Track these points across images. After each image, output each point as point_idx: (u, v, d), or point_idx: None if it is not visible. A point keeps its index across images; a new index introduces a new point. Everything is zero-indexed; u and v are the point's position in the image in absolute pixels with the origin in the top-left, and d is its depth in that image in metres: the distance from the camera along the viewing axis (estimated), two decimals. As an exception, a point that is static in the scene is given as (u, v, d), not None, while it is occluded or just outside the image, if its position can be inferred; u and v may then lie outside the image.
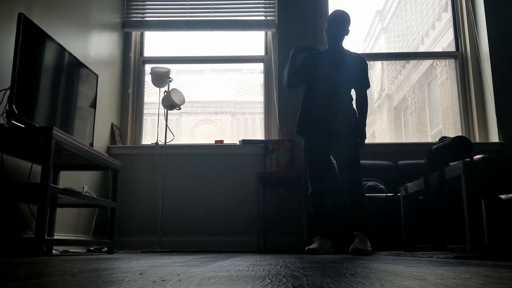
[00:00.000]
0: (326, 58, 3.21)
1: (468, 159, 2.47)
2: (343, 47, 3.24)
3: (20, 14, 2.38)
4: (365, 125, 3.19)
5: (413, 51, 5.33)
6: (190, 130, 4.73)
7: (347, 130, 3.07)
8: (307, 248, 2.97)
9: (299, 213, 4.16)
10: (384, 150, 4.26)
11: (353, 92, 3.24)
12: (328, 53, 3.22)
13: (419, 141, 4.48)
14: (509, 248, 2.64)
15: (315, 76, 3.21)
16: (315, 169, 3.11)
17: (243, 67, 4.79)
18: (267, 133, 4.54)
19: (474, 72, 4.44)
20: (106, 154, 3.22)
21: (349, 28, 3.22)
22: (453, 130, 4.55)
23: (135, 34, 4.76)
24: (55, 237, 3.23)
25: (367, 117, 3.27)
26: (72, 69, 2.95)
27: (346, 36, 3.24)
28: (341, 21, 3.16)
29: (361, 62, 3.18)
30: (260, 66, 4.73)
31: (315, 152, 3.12)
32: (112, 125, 4.30)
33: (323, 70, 3.20)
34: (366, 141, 4.65)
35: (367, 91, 3.27)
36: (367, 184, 3.73)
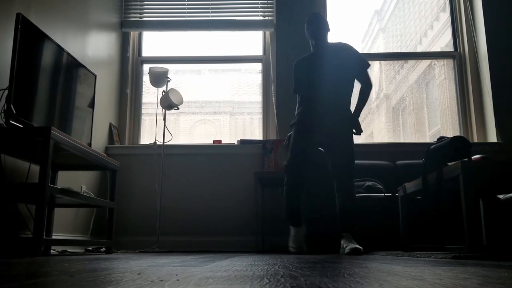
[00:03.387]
0: (319, 60, 3.26)
1: (466, 159, 2.48)
2: (328, 42, 3.31)
3: (18, 14, 2.38)
4: (359, 114, 3.26)
5: (411, 51, 5.34)
6: (188, 130, 4.73)
7: (343, 135, 3.12)
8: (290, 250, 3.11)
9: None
10: (382, 150, 4.27)
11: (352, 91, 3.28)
12: (318, 54, 3.27)
13: (417, 141, 4.49)
14: (507, 248, 2.64)
15: (313, 81, 3.24)
16: (294, 165, 3.14)
17: (241, 67, 4.79)
18: (265, 133, 4.54)
19: (472, 72, 4.45)
20: (104, 154, 3.21)
21: (328, 25, 3.32)
22: (451, 130, 4.56)
23: (133, 34, 4.75)
24: (53, 237, 3.22)
25: (363, 112, 3.30)
26: (70, 69, 2.95)
27: (328, 32, 3.32)
28: (318, 20, 3.26)
29: (349, 48, 3.27)
30: (258, 66, 4.73)
31: (301, 150, 3.16)
32: (110, 125, 4.29)
33: (319, 73, 3.24)
34: (365, 141, 4.66)
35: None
36: (365, 184, 3.73)
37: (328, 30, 3.31)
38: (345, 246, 2.91)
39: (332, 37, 4.79)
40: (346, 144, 3.10)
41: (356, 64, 3.22)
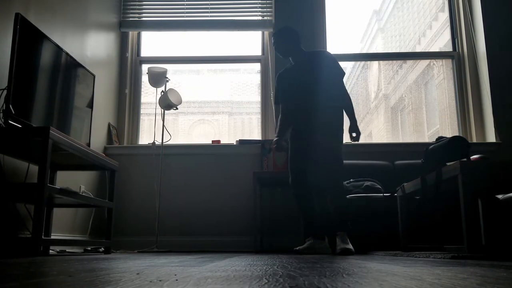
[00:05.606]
0: (295, 72, 3.29)
1: (465, 159, 2.48)
2: (303, 51, 3.30)
3: (17, 14, 2.38)
4: (355, 120, 3.26)
5: (410, 51, 5.34)
6: (187, 130, 4.72)
7: (327, 132, 3.14)
8: (294, 248, 3.11)
9: (296, 213, 4.16)
10: (381, 150, 4.27)
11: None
12: (296, 68, 3.30)
13: (416, 141, 4.49)
14: (506, 248, 2.64)
15: (297, 96, 3.29)
16: (296, 173, 3.22)
17: (240, 67, 4.79)
18: (264, 133, 4.54)
19: (471, 72, 4.45)
20: (103, 154, 3.21)
21: (290, 36, 3.26)
22: (450, 130, 4.56)
23: (132, 34, 4.75)
24: (52, 237, 3.22)
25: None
26: (69, 69, 2.95)
27: (296, 41, 3.28)
28: (280, 39, 3.26)
29: (325, 56, 3.26)
30: (257, 66, 4.73)
31: (297, 156, 3.23)
32: (109, 125, 4.29)
33: (296, 84, 3.28)
34: (363, 141, 4.66)
35: (353, 94, 3.34)
36: (364, 184, 3.73)
37: (295, 39, 3.27)
38: (338, 245, 2.94)
39: (331, 37, 4.79)
40: (333, 149, 3.13)
41: (331, 72, 3.23)
